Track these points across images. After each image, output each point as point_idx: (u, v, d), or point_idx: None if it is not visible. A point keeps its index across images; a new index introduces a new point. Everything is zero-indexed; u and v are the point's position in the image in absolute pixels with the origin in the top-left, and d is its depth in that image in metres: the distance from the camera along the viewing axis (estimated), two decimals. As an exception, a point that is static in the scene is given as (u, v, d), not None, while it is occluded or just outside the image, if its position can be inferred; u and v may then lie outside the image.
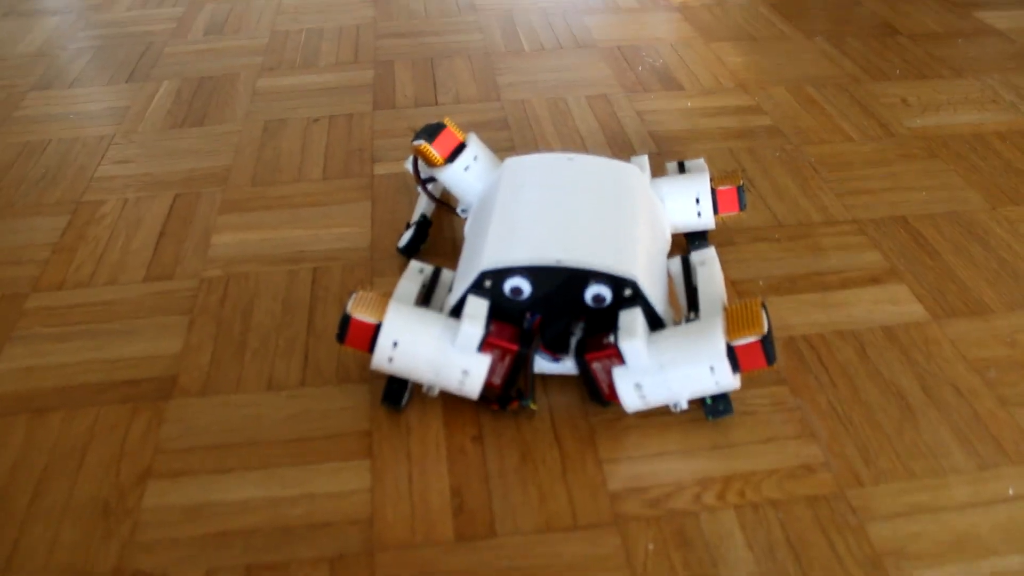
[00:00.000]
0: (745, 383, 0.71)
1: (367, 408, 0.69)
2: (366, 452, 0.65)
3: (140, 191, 0.98)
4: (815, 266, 0.85)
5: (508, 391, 0.65)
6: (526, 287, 0.63)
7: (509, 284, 0.63)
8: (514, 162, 0.76)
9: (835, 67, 1.25)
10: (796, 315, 0.79)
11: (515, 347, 0.62)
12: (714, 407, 0.66)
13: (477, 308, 0.63)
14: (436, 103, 1.14)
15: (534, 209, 0.69)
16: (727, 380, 0.61)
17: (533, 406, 0.66)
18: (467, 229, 0.76)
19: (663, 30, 1.37)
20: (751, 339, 0.60)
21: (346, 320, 0.63)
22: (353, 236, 0.89)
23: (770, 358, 0.60)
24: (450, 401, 0.69)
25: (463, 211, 0.80)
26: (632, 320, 0.62)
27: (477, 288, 0.64)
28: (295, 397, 0.70)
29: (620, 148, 1.04)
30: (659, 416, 0.68)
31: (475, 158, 0.77)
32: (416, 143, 0.77)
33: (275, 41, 1.35)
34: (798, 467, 0.64)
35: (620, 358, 0.62)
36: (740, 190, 0.80)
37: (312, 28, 1.40)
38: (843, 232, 0.89)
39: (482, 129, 1.09)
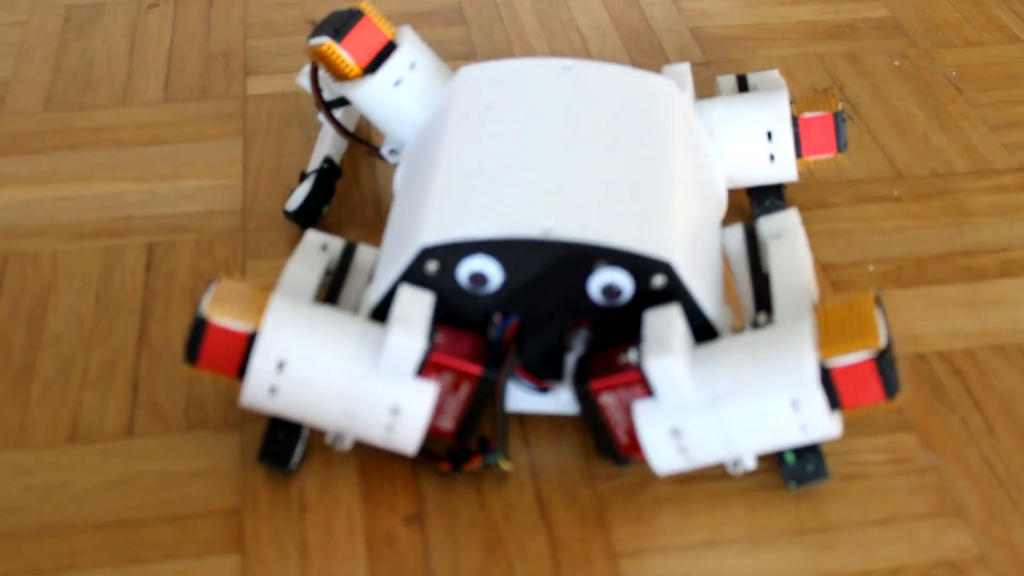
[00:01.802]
0: (848, 428, 0.70)
1: (236, 470, 0.68)
2: (234, 543, 0.65)
3: None
4: (958, 242, 0.85)
5: (463, 440, 0.65)
6: (495, 273, 0.63)
7: (466, 268, 0.63)
8: (474, 74, 0.76)
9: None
10: (929, 320, 0.79)
11: (476, 369, 0.62)
12: (799, 468, 0.66)
13: (414, 306, 0.62)
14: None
15: (507, 150, 0.69)
16: (820, 423, 0.61)
17: (505, 465, 0.66)
18: (398, 182, 0.76)
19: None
20: (859, 357, 0.60)
21: (200, 326, 0.62)
22: (214, 193, 0.88)
23: (889, 387, 0.60)
24: (372, 458, 0.68)
25: (392, 152, 0.80)
26: (666, 325, 0.61)
27: (415, 275, 0.63)
28: (116, 454, 0.70)
29: (644, 55, 1.03)
30: (708, 481, 0.67)
31: (412, 66, 0.76)
32: (316, 43, 0.75)
33: None
34: (937, 565, 0.64)
35: (645, 387, 0.61)
36: (837, 119, 0.80)
37: None
38: (1003, 187, 0.90)
39: (424, 22, 1.07)
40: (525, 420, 0.71)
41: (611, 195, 0.65)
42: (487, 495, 0.67)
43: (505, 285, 0.63)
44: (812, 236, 0.84)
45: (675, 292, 0.62)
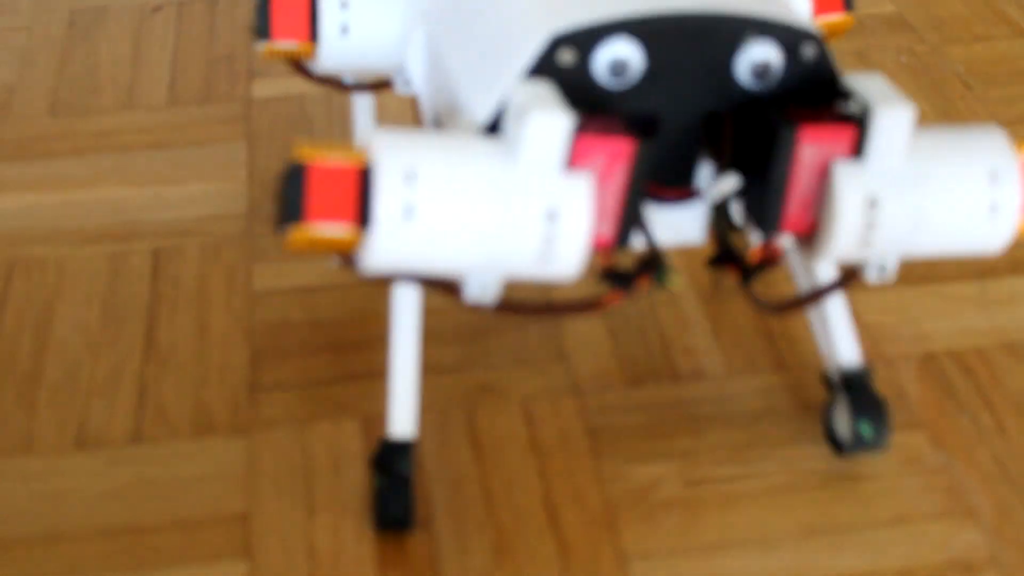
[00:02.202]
0: (858, 428, 0.70)
1: (243, 476, 0.68)
2: (242, 549, 0.65)
3: None
4: (967, 239, 0.85)
5: (625, 243, 0.56)
6: (637, 58, 0.55)
7: (608, 54, 0.55)
8: None
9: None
10: (938, 319, 0.78)
11: (629, 141, 0.53)
12: (866, 440, 0.67)
13: (538, 94, 0.53)
14: None
15: None
16: (1012, 202, 0.56)
17: (676, 280, 0.59)
18: (422, 72, 0.67)
19: None
20: None
21: (297, 174, 0.51)
22: (219, 197, 0.88)
23: None
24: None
25: (405, 83, 0.73)
26: (882, 85, 0.55)
27: (542, 70, 0.55)
28: (123, 461, 0.69)
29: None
30: (717, 483, 0.67)
31: (343, 5, 0.69)
32: (259, 46, 0.71)
33: None
34: (948, 564, 0.64)
35: (853, 147, 0.55)
36: None
37: None
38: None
39: None
40: (532, 419, 0.71)
41: None
42: (495, 498, 0.67)
43: (646, 74, 0.56)
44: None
45: (824, 67, 0.57)
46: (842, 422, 0.68)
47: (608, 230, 0.55)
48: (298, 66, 0.74)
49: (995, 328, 0.78)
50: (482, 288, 0.55)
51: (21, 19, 1.09)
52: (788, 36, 0.56)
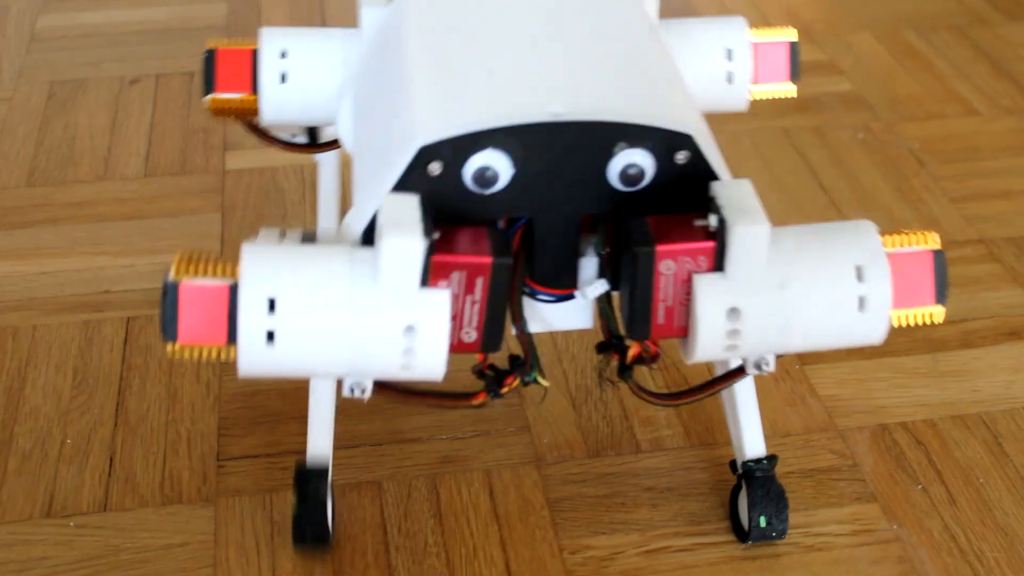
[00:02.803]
0: (811, 500, 0.71)
1: (209, 544, 0.68)
2: (207, 617, 0.65)
3: None
4: (920, 313, 0.86)
5: (490, 349, 0.57)
6: (505, 166, 0.55)
7: (474, 163, 0.55)
8: None
9: (951, 0, 1.28)
10: (891, 390, 0.80)
11: (487, 258, 0.54)
12: (763, 528, 0.68)
13: (402, 209, 0.54)
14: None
15: (486, 41, 0.61)
16: (883, 294, 0.55)
17: (543, 381, 0.60)
18: (347, 125, 0.68)
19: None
20: (919, 249, 0.56)
21: (172, 293, 0.53)
22: (190, 267, 0.89)
23: (941, 290, 0.57)
24: (344, 534, 0.69)
25: (347, 144, 0.71)
26: (744, 196, 0.55)
27: (413, 182, 0.55)
28: (92, 528, 0.69)
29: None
30: (675, 553, 0.68)
31: (282, 55, 0.69)
32: (205, 100, 0.71)
33: (70, -44, 1.35)
34: (897, 633, 0.65)
35: (711, 260, 0.55)
36: (793, 49, 0.73)
37: (130, -64, 1.40)
38: (964, 258, 0.91)
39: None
40: (494, 490, 0.71)
41: (614, 74, 0.59)
42: (457, 569, 0.67)
43: (515, 180, 0.56)
44: (778, 308, 0.86)
45: (698, 168, 0.56)
46: (743, 511, 0.69)
47: (474, 336, 0.56)
48: (251, 126, 0.74)
49: (946, 400, 0.79)
50: (355, 387, 0.56)
51: (3, 90, 1.10)
52: (661, 143, 0.55)
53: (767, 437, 0.75)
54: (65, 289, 0.87)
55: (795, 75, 0.73)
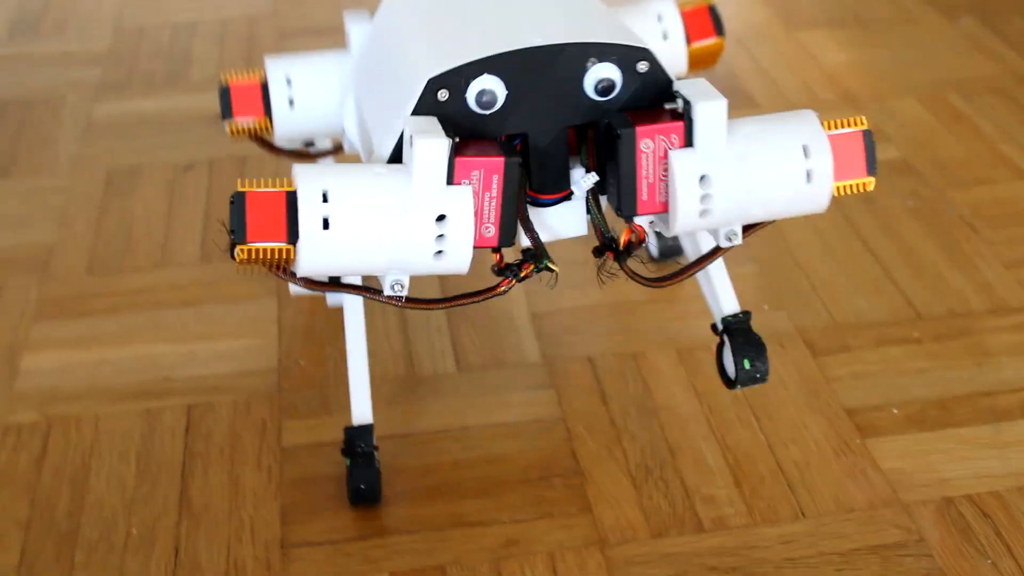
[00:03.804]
0: (880, 572, 0.70)
1: (275, 635, 0.69)
2: None
3: (-90, 287, 0.98)
4: (981, 382, 0.85)
5: (506, 243, 0.66)
6: (499, 88, 0.66)
7: (475, 88, 0.66)
8: None
9: (993, 62, 1.28)
10: (954, 462, 0.79)
11: (500, 158, 0.64)
12: (748, 370, 0.75)
13: (426, 124, 0.64)
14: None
15: (464, 8, 0.74)
16: (824, 168, 0.66)
17: (554, 267, 0.67)
18: (356, 94, 0.78)
19: (724, 13, 1.39)
20: (848, 133, 0.67)
21: (240, 200, 0.61)
22: (250, 353, 0.90)
23: (871, 164, 0.68)
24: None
25: (349, 144, 0.83)
26: (704, 85, 0.66)
27: (425, 108, 0.66)
28: (159, 619, 0.70)
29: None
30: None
31: (288, 82, 0.81)
32: (224, 126, 0.81)
33: (122, 44, 1.38)
34: None
35: (683, 138, 0.65)
36: (713, 12, 0.85)
37: (180, 23, 1.42)
38: (1021, 325, 0.90)
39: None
40: (558, 573, 0.71)
41: (575, 14, 0.72)
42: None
43: (510, 100, 0.66)
44: (835, 381, 0.85)
45: (658, 76, 0.67)
46: (728, 362, 0.77)
47: (493, 231, 0.66)
48: (262, 141, 0.85)
49: (1011, 471, 0.78)
50: (394, 287, 0.65)
51: (60, 179, 1.12)
52: (624, 55, 0.67)
53: (830, 512, 0.75)
54: (126, 377, 0.88)
55: (720, 30, 0.85)
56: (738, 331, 0.77)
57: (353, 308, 0.79)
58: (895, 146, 1.13)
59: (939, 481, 0.77)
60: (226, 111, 0.80)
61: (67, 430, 0.83)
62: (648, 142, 0.65)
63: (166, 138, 1.17)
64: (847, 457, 0.79)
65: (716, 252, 0.70)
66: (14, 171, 1.13)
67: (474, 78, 0.65)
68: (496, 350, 0.89)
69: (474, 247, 0.64)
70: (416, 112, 0.65)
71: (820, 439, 0.80)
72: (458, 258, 0.64)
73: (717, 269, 0.79)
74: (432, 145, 0.62)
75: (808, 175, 0.66)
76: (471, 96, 0.66)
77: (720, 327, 0.78)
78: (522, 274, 0.67)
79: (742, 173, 0.65)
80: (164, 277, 0.98)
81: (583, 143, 0.69)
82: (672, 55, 0.83)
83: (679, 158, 0.64)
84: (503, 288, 0.67)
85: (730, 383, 0.77)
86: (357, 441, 0.76)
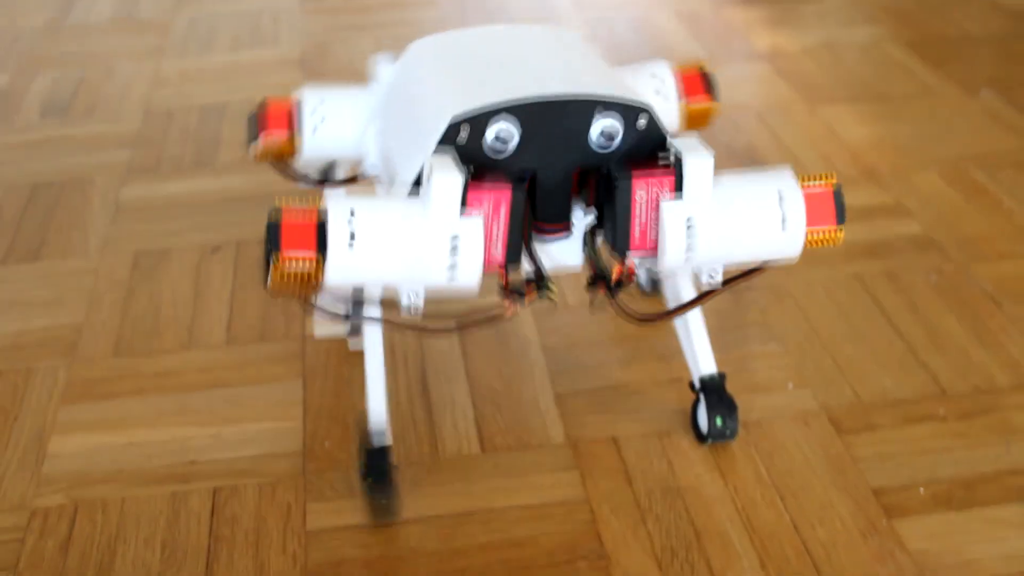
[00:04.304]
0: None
1: None
2: None
3: (-60, 371, 0.99)
4: (1008, 460, 0.85)
5: (512, 268, 0.74)
6: (514, 131, 0.74)
7: (492, 131, 0.74)
8: (425, 43, 0.86)
9: (1014, 136, 1.28)
10: (983, 543, 0.78)
11: (507, 187, 0.72)
12: (720, 428, 0.85)
13: (443, 159, 0.72)
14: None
15: (484, 56, 0.82)
16: (798, 222, 0.74)
17: (553, 296, 0.76)
18: (375, 139, 0.85)
19: (745, 90, 1.41)
20: (820, 187, 0.75)
21: (277, 213, 0.70)
22: (275, 436, 0.90)
23: (841, 214, 0.75)
24: None
25: (372, 167, 0.88)
26: (695, 143, 0.74)
27: (447, 144, 0.74)
28: None
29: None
30: None
31: (313, 112, 0.87)
32: (251, 154, 0.87)
33: (150, 126, 1.40)
34: None
35: (673, 187, 0.73)
36: (706, 76, 0.90)
37: (208, 105, 1.44)
38: (1046, 404, 0.90)
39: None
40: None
41: (581, 71, 0.79)
42: None
43: (522, 141, 0.74)
44: (861, 460, 0.85)
45: (654, 133, 0.76)
46: (702, 418, 0.87)
47: (499, 254, 0.74)
48: (284, 168, 0.91)
49: (1040, 553, 0.77)
50: (410, 299, 0.73)
51: (89, 261, 1.13)
52: (627, 111, 0.75)
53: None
54: (152, 460, 0.88)
55: (713, 92, 0.90)
56: (713, 391, 0.86)
57: (373, 338, 0.84)
58: (917, 221, 1.13)
59: (967, 563, 0.77)
60: (254, 133, 0.87)
61: (93, 514, 0.84)
62: (642, 191, 0.73)
63: (193, 220, 1.19)
64: (874, 538, 0.78)
65: (706, 296, 0.79)
66: (44, 253, 1.15)
67: (493, 120, 0.73)
68: (520, 431, 0.89)
69: (485, 266, 0.73)
70: (439, 145, 0.73)
71: (847, 519, 0.80)
72: (469, 277, 0.72)
73: (697, 330, 0.87)
74: (448, 179, 0.70)
75: (783, 222, 0.74)
76: (489, 135, 0.74)
77: (697, 385, 0.87)
78: (527, 299, 0.75)
79: (724, 219, 0.73)
80: (191, 359, 0.99)
81: (585, 185, 0.77)
82: (665, 111, 0.89)
83: (669, 206, 0.73)
84: (509, 313, 0.76)
85: (702, 438, 0.87)
86: (377, 463, 0.81)
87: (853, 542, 0.78)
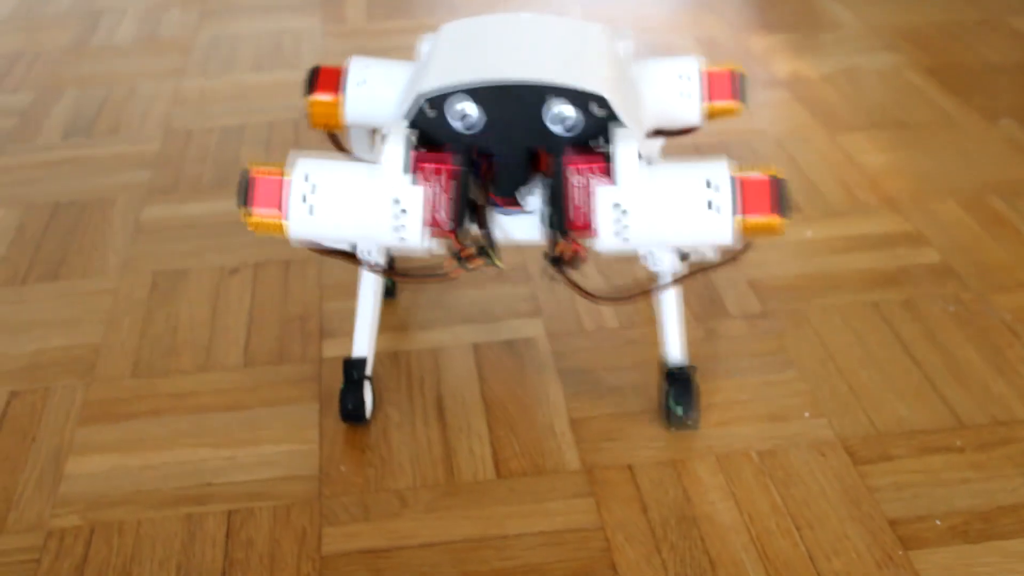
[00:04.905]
0: None
1: None
2: None
3: (-41, 390, 1.00)
4: (1024, 493, 0.85)
5: (461, 237, 0.81)
6: (474, 112, 0.82)
7: (454, 109, 0.82)
8: (454, 24, 0.94)
9: (1032, 168, 1.28)
10: (1000, 575, 0.78)
11: (450, 163, 0.80)
12: (680, 416, 0.90)
13: (396, 131, 0.81)
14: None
15: (481, 43, 0.89)
16: (725, 207, 0.78)
17: (499, 263, 0.82)
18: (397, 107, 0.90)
19: (765, 117, 1.41)
20: (759, 175, 0.79)
21: (245, 175, 0.81)
22: (291, 459, 0.90)
23: (781, 205, 0.78)
24: None
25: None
26: (627, 133, 0.80)
27: (418, 121, 0.82)
28: None
29: (704, 309, 1.05)
30: None
31: (363, 80, 0.94)
32: (307, 105, 0.95)
33: (170, 146, 1.40)
34: None
35: (606, 174, 0.80)
36: (738, 77, 0.94)
37: (228, 126, 1.45)
38: (1065, 436, 0.89)
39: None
40: None
41: (559, 62, 0.85)
42: None
43: (484, 123, 0.82)
44: (876, 491, 0.84)
45: (613, 119, 0.81)
46: (667, 406, 0.91)
47: (444, 216, 0.81)
48: (334, 140, 0.98)
49: (1057, 586, 0.77)
50: (367, 254, 0.84)
51: (108, 281, 1.14)
52: (580, 97, 0.81)
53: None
54: (169, 482, 0.88)
55: (741, 95, 0.94)
56: (679, 381, 0.91)
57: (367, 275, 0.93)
58: (936, 249, 1.13)
59: (984, 596, 0.76)
60: (310, 88, 0.94)
61: (109, 536, 0.84)
62: (577, 175, 0.80)
63: (212, 241, 1.19)
64: (890, 570, 0.78)
65: (658, 287, 0.88)
66: (64, 272, 1.15)
67: (456, 102, 0.81)
68: (535, 456, 0.89)
69: (431, 228, 0.81)
70: (412, 122, 0.82)
71: (862, 550, 0.80)
72: (414, 237, 0.80)
73: (672, 321, 0.91)
74: (394, 148, 0.80)
75: (710, 204, 0.78)
76: (452, 115, 0.82)
77: (666, 374, 0.92)
78: (470, 265, 0.82)
79: (654, 204, 0.79)
80: (207, 381, 0.99)
81: (537, 165, 0.83)
82: (686, 111, 0.94)
83: (602, 191, 0.79)
84: (454, 275, 0.85)
85: (667, 423, 0.92)
86: (353, 371, 0.91)
87: (869, 573, 0.78)
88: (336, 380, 0.98)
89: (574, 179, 0.80)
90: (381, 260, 0.84)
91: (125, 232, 1.22)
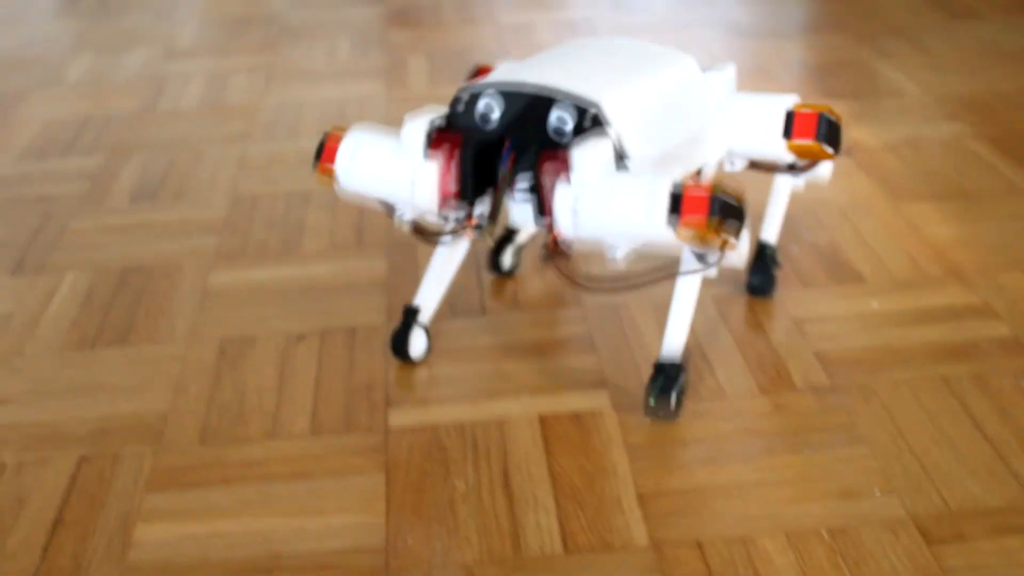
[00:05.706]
0: None
1: None
2: None
3: (24, 451, 1.00)
4: (1103, 577, 0.83)
5: (465, 207, 0.97)
6: (495, 109, 0.97)
7: (481, 104, 0.98)
8: (572, 41, 1.10)
9: (1101, 240, 1.27)
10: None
11: (458, 140, 0.95)
12: (653, 407, 0.98)
13: (420, 116, 0.97)
14: (483, 311, 1.17)
15: (559, 55, 1.02)
16: (658, 213, 0.88)
17: (488, 237, 0.98)
18: None
19: (828, 185, 1.40)
20: (701, 193, 0.87)
21: (323, 139, 1.02)
22: (358, 530, 0.90)
23: (825, 134, 0.94)
24: None
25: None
26: (596, 140, 0.92)
27: (453, 114, 0.99)
28: None
29: (770, 380, 1.05)
30: None
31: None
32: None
33: (237, 212, 1.42)
34: None
35: (568, 170, 0.91)
36: (825, 119, 0.99)
37: (294, 192, 1.46)
38: None
39: (558, 349, 1.11)
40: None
41: (583, 73, 0.97)
42: None
43: (502, 120, 0.97)
44: (950, 572, 0.83)
45: (603, 129, 0.93)
46: (647, 393, 1.00)
47: (454, 187, 0.97)
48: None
49: None
50: (401, 214, 1.02)
51: (176, 348, 1.14)
52: (578, 108, 0.94)
53: None
54: (236, 551, 0.88)
55: (823, 137, 1.00)
56: (663, 374, 0.98)
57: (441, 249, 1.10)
58: (1005, 323, 1.11)
59: None
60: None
61: (177, 605, 0.84)
62: (548, 174, 0.93)
63: (278, 308, 1.20)
64: (966, 654, 0.77)
65: (652, 280, 1.08)
66: (132, 338, 1.16)
67: (482, 98, 0.98)
68: (603, 531, 0.88)
69: (444, 195, 0.97)
70: (450, 115, 1.00)
71: (937, 634, 0.78)
72: (428, 199, 0.97)
73: (675, 317, 0.99)
74: (414, 128, 0.98)
75: (646, 208, 0.88)
76: (478, 109, 0.98)
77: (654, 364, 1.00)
78: (465, 224, 0.98)
79: (602, 202, 0.90)
80: (275, 449, 0.99)
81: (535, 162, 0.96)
82: (767, 144, 1.02)
83: (561, 188, 0.92)
84: (455, 231, 0.99)
85: (644, 412, 1.01)
86: (407, 316, 1.07)
87: (944, 657, 0.76)
88: (402, 451, 0.97)
89: (545, 177, 0.93)
90: (407, 218, 1.01)
91: (192, 298, 1.23)
